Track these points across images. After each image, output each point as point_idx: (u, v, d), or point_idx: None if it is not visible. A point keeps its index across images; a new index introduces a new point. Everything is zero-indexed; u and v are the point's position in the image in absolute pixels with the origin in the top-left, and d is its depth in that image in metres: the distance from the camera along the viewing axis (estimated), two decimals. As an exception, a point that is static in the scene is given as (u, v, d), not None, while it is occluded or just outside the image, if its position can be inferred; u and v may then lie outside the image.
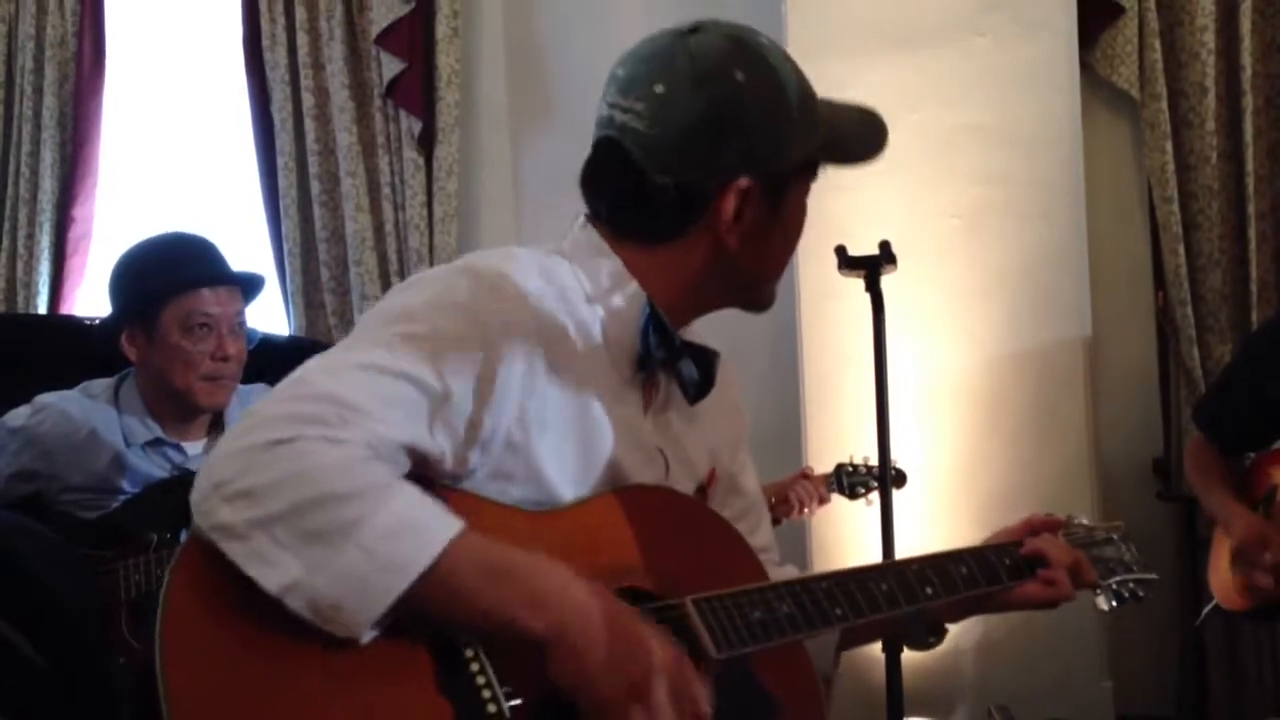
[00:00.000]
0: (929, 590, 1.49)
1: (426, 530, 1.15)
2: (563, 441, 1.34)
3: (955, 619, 1.62)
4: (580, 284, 1.39)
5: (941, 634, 1.63)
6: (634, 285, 1.40)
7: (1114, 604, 1.68)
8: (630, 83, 1.37)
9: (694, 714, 1.19)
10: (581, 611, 1.16)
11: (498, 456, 1.30)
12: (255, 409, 1.20)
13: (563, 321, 1.35)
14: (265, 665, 1.13)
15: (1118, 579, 1.69)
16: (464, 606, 1.16)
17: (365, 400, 1.19)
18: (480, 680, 1.19)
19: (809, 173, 1.45)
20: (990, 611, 1.61)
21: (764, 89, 1.37)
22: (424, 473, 1.26)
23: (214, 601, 1.14)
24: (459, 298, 1.29)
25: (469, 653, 1.20)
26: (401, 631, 1.17)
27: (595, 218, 1.44)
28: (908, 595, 1.47)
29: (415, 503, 1.16)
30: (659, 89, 1.35)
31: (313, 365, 1.24)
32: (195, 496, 1.15)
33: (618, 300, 1.40)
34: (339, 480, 1.13)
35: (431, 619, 1.17)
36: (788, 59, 1.41)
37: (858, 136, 1.47)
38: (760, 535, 1.63)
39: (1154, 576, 1.72)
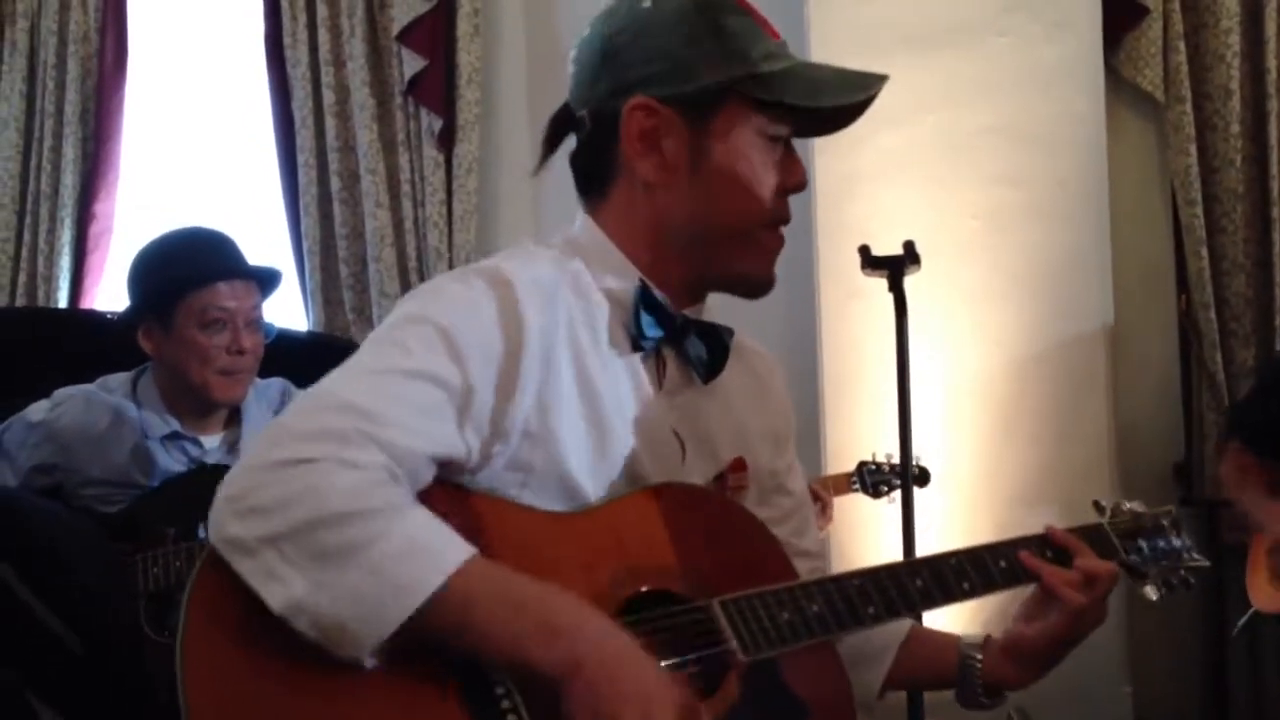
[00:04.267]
0: (966, 585, 1.44)
1: (437, 554, 1.13)
2: (577, 428, 1.33)
3: (1007, 677, 1.50)
4: (581, 271, 1.39)
5: (998, 696, 1.52)
6: (627, 266, 1.39)
7: (1163, 592, 1.60)
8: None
9: None
10: (598, 646, 1.13)
11: (516, 446, 1.29)
12: (277, 422, 1.20)
13: (569, 309, 1.35)
14: (286, 688, 1.12)
15: (1166, 567, 1.61)
16: (476, 635, 1.13)
17: (387, 408, 1.19)
18: None
19: (742, 106, 1.35)
20: (1038, 657, 1.48)
21: (670, 12, 1.36)
22: (445, 473, 1.25)
23: (232, 621, 1.12)
24: (469, 295, 1.29)
25: (500, 690, 1.17)
26: (429, 665, 1.15)
27: (580, 196, 1.45)
28: (944, 592, 1.42)
29: (426, 526, 1.15)
30: (584, 33, 1.42)
31: (335, 375, 1.23)
32: (211, 510, 1.15)
33: (614, 282, 1.39)
34: (350, 501, 1.12)
35: (445, 647, 1.14)
36: (731, 5, 1.38)
37: (810, 81, 1.37)
38: (808, 539, 1.59)
39: (1205, 563, 1.64)
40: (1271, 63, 3.58)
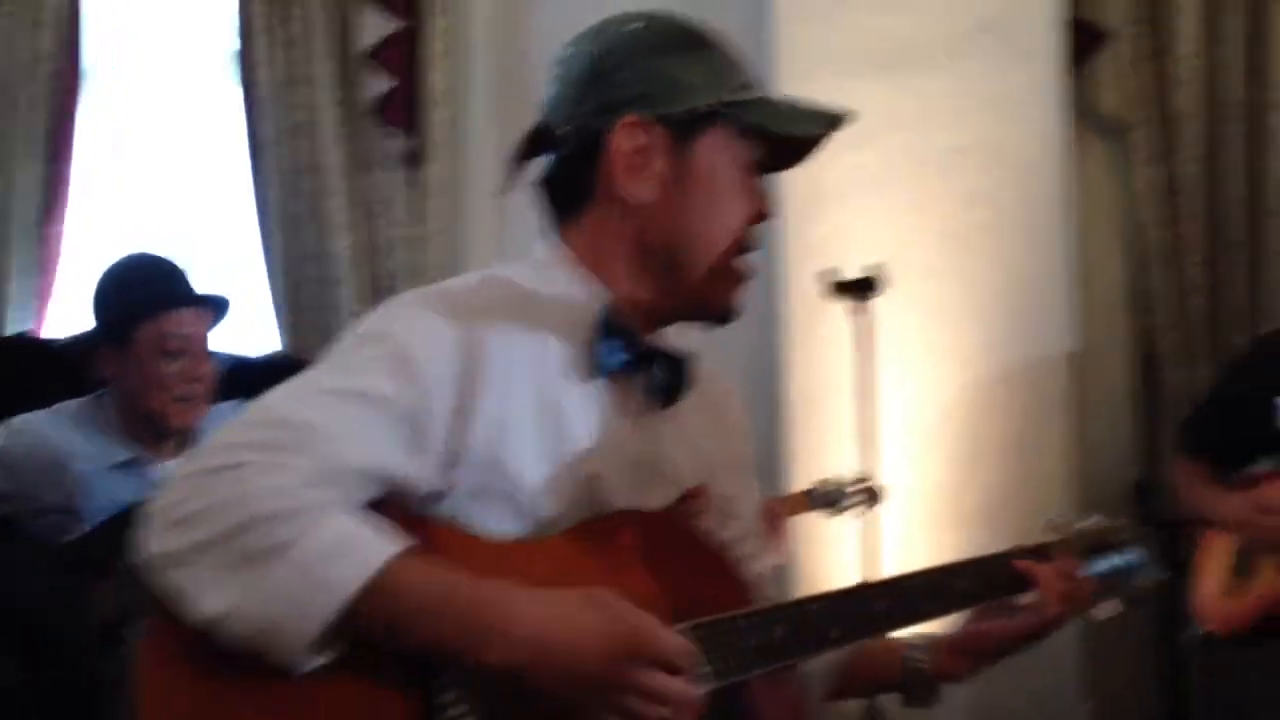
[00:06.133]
0: (928, 606, 1.46)
1: (362, 550, 1.12)
2: (536, 454, 1.31)
3: (957, 671, 1.52)
4: (544, 294, 1.38)
5: (936, 692, 1.54)
6: (593, 289, 1.39)
7: (1119, 609, 1.62)
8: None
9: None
10: (534, 644, 1.13)
11: (473, 473, 1.28)
12: (212, 437, 1.20)
13: (529, 334, 1.34)
14: (238, 708, 1.12)
15: (1121, 582, 1.62)
16: (411, 634, 1.12)
17: (323, 423, 1.18)
18: None
19: (724, 131, 1.38)
20: (991, 655, 1.50)
21: (660, 34, 1.38)
22: (398, 500, 1.24)
23: (186, 649, 1.12)
24: (428, 318, 1.29)
25: (450, 697, 1.17)
26: (380, 676, 1.15)
27: (549, 217, 1.44)
28: (907, 613, 1.44)
29: (353, 524, 1.14)
30: (567, 51, 1.41)
31: (276, 391, 1.23)
32: (142, 527, 1.15)
33: (578, 306, 1.38)
34: (276, 501, 1.11)
35: (388, 647, 1.14)
36: (715, 37, 1.41)
37: (786, 111, 1.41)
38: (759, 564, 1.57)
39: (1162, 576, 1.66)
40: (1232, 85, 3.63)
